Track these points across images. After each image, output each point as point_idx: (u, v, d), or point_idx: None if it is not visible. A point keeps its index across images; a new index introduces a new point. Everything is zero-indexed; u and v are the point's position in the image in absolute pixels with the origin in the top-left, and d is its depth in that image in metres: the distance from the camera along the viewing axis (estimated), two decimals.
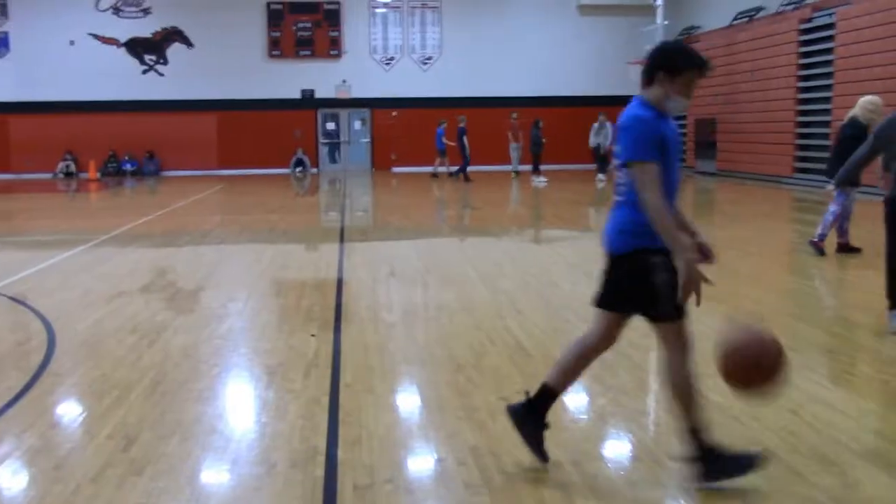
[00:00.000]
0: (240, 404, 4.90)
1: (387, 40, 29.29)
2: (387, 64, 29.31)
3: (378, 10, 29.24)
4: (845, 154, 7.56)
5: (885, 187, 6.23)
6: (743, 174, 23.08)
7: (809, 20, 20.35)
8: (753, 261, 9.76)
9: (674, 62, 3.45)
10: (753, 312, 6.86)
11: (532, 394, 3.78)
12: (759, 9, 23.31)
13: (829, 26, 19.33)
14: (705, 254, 3.62)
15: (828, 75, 19.35)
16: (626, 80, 27.08)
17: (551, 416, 3.80)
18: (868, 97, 9.44)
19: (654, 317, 3.52)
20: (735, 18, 24.33)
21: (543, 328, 6.51)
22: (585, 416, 4.64)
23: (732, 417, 4.38)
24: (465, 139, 23.60)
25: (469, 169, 23.84)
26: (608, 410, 4.67)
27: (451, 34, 29.22)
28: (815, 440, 4.10)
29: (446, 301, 7.51)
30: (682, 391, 3.48)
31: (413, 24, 29.33)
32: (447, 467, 3.84)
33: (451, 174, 24.35)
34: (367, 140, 29.66)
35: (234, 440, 4.19)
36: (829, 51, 19.25)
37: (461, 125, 23.83)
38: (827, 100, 19.28)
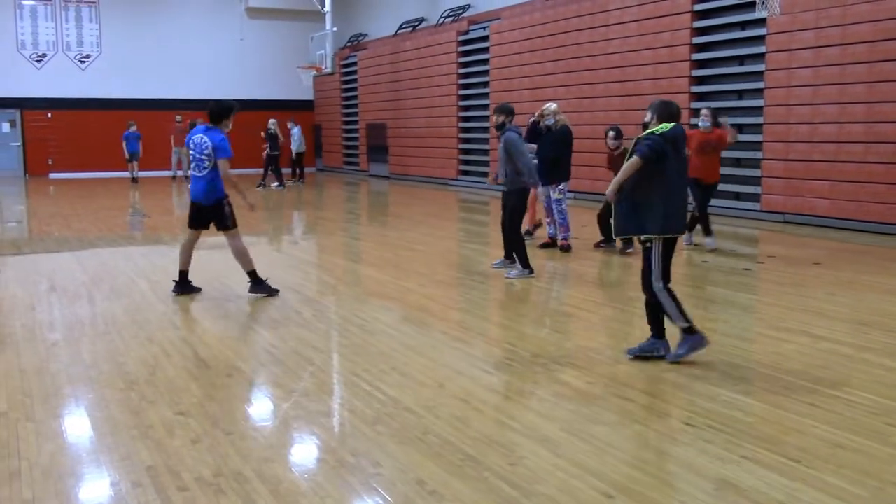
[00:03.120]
0: None
1: (37, 35, 26.86)
2: (38, 61, 26.90)
3: (26, 3, 26.70)
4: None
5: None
6: (413, 177, 24.17)
7: (467, 32, 21.81)
8: (422, 258, 10.27)
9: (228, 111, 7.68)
10: (424, 308, 7.21)
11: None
12: (421, 19, 24.55)
13: (484, 38, 20.86)
14: (251, 204, 7.98)
15: (485, 84, 20.88)
16: (300, 86, 27.28)
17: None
18: (547, 104, 10.40)
19: (223, 228, 7.68)
20: (400, 28, 25.42)
21: (221, 337, 6.35)
22: (268, 423, 4.60)
23: (405, 409, 4.58)
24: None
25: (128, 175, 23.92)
26: (291, 415, 4.67)
27: (111, 32, 27.43)
28: (482, 424, 4.40)
29: (115, 315, 7.07)
30: (244, 253, 7.78)
31: (68, 20, 27.16)
32: (121, 491, 3.62)
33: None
34: (19, 144, 27.00)
35: None
36: (485, 61, 20.76)
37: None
38: (485, 107, 20.78)
